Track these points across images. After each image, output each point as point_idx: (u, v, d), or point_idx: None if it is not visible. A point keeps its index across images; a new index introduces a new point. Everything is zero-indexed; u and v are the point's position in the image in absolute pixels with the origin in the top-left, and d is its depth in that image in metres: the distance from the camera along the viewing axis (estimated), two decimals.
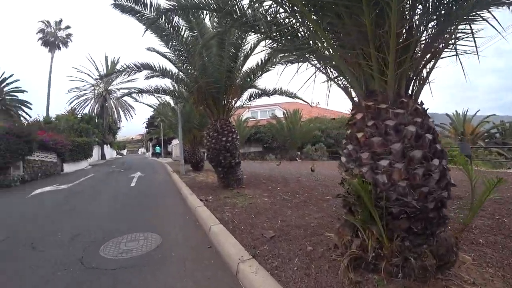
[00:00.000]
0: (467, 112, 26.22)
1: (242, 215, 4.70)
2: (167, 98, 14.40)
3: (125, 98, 36.09)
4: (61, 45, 35.80)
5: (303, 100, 9.26)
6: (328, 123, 26.55)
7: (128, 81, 32.17)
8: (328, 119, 27.69)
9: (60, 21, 35.57)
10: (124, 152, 71.13)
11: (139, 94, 8.21)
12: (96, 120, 29.08)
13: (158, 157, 37.37)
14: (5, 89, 25.83)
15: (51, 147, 14.23)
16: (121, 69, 7.14)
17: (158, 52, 7.84)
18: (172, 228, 4.44)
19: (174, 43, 6.49)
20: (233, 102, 7.31)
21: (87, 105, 32.75)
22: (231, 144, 6.85)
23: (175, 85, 8.26)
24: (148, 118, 47.66)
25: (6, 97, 25.80)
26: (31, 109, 27.06)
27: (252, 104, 8.97)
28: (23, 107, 26.93)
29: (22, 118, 25.91)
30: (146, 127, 56.81)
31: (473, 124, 25.10)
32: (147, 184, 10.00)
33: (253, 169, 12.68)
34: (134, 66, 7.11)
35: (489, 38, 2.61)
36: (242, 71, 7.28)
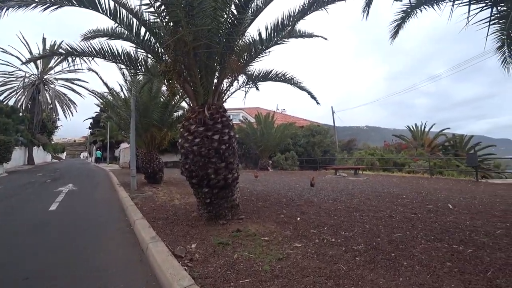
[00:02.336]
0: (425, 125, 26.87)
1: None
2: (118, 88, 10.96)
3: (65, 91, 30.55)
4: None
5: (311, 95, 6.81)
6: (297, 131, 24.57)
7: (70, 71, 27.15)
8: (296, 126, 25.89)
9: None
10: (63, 156, 61.90)
11: (73, 59, 4.92)
12: (21, 114, 23.45)
13: (98, 162, 32.16)
14: None
15: None
16: None
17: None
18: None
19: None
20: (230, 80, 4.50)
21: (13, 96, 26.58)
22: (228, 146, 4.01)
23: (135, 49, 5.07)
24: (93, 117, 41.06)
25: None
26: None
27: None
28: None
29: None
30: (89, 127, 49.96)
31: (430, 137, 25.61)
32: (77, 207, 6.51)
33: None
34: None
35: None
36: (247, 33, 4.54)
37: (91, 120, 45.90)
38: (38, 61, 28.02)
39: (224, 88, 4.53)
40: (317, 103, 7.04)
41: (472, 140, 25.11)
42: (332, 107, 28.29)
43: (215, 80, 4.31)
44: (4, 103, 24.15)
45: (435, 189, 7.93)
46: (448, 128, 27.46)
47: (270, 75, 5.65)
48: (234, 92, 4.89)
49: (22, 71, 27.28)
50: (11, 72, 26.96)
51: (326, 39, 6.00)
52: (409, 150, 21.75)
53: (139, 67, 4.93)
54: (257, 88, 7.73)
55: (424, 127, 26.82)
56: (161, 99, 9.61)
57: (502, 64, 5.47)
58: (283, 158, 21.59)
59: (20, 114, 22.51)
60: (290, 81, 6.10)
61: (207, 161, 3.87)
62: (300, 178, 11.78)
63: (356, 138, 33.00)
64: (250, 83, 5.25)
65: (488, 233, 3.69)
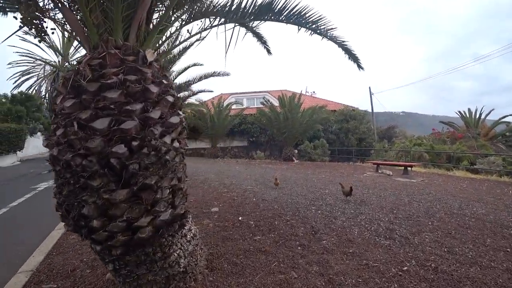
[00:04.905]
0: (481, 111, 22.10)
1: None
2: None
3: None
4: None
5: (351, 54, 4.17)
6: (328, 115, 21.18)
7: None
8: (327, 110, 22.53)
9: None
10: None
11: None
12: (39, 101, 22.70)
13: None
14: None
15: None
16: None
17: None
18: None
19: None
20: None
21: (35, 85, 26.24)
22: (139, 147, 1.60)
23: None
24: None
25: None
26: None
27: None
28: None
29: None
30: None
31: (486, 125, 21.25)
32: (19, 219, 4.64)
33: (231, 185, 7.34)
34: None
35: None
36: None
37: None
38: (59, 47, 27.35)
39: (159, 16, 2.10)
40: (360, 66, 4.36)
41: None
42: (370, 87, 24.53)
43: None
44: (30, 91, 23.71)
45: None
46: (511, 115, 22.63)
47: (277, 9, 3.12)
48: (198, 33, 2.45)
49: (42, 59, 26.78)
50: (34, 62, 26.56)
51: None
52: (466, 141, 17.73)
53: None
54: (269, 51, 5.14)
55: (481, 114, 22.26)
56: None
57: None
58: (311, 147, 18.67)
59: (41, 102, 21.68)
60: (316, 27, 3.51)
61: (80, 183, 1.52)
62: (330, 177, 9.06)
63: (396, 124, 28.82)
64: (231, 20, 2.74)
65: None
